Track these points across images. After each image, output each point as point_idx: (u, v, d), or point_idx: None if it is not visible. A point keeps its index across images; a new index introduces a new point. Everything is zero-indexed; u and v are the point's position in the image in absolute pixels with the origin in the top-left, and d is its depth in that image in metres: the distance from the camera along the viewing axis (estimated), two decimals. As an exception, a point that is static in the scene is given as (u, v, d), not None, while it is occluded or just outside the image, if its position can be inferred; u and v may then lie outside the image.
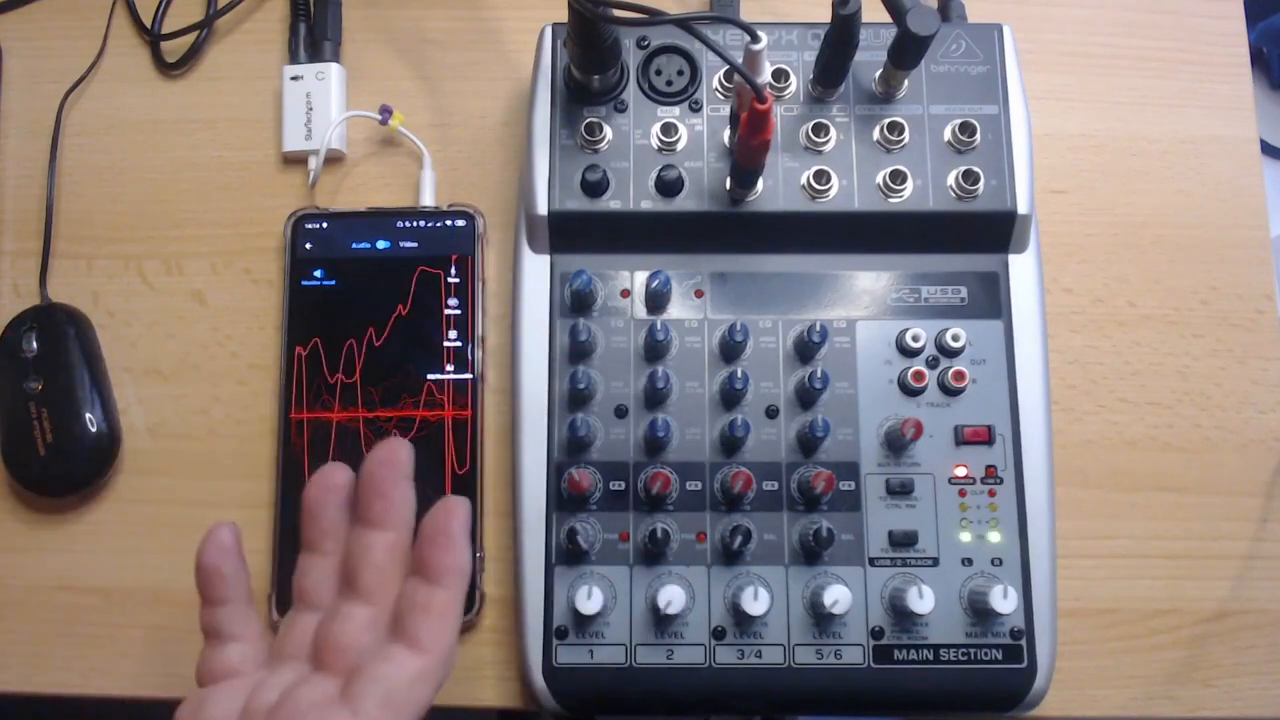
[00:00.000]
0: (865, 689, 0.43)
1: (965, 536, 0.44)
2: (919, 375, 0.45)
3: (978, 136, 0.45)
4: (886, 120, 0.45)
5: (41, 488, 0.47)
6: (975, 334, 0.46)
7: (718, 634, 0.43)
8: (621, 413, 0.45)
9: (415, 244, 0.49)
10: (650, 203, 0.45)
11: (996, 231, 0.46)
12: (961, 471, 0.45)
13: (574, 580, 0.44)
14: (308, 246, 0.49)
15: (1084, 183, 0.52)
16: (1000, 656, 0.43)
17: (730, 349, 0.45)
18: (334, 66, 0.52)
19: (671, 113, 0.46)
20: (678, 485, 0.44)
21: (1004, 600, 0.42)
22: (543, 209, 0.45)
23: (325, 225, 0.50)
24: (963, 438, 0.45)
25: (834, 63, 0.44)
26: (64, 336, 0.48)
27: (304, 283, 0.49)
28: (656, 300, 0.46)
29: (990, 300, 0.46)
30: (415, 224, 0.49)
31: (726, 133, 0.46)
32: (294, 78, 0.52)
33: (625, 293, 0.46)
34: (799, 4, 0.54)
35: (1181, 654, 0.47)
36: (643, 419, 0.45)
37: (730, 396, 0.45)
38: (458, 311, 0.48)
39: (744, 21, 0.39)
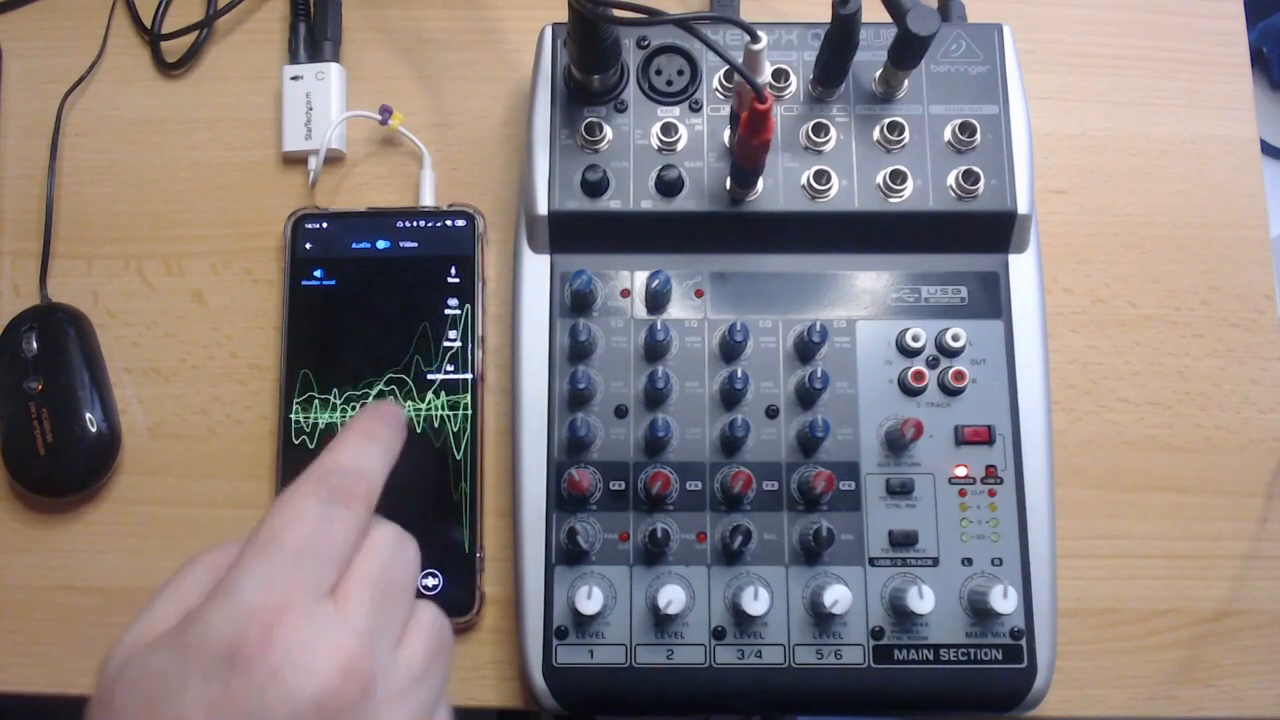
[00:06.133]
0: (865, 689, 0.43)
1: (965, 536, 0.44)
2: (919, 375, 0.45)
3: (978, 136, 0.45)
4: (886, 120, 0.45)
5: (41, 488, 0.47)
6: (975, 334, 0.46)
7: (718, 634, 0.43)
8: (621, 413, 0.45)
9: (415, 244, 0.49)
10: (650, 203, 0.45)
11: (996, 231, 0.46)
12: (961, 471, 0.45)
13: (574, 580, 0.44)
14: (308, 246, 0.49)
15: (1084, 183, 0.52)
16: (1000, 656, 0.43)
17: (730, 349, 0.45)
18: (334, 66, 0.52)
19: (671, 113, 0.46)
20: (678, 485, 0.44)
21: (1004, 600, 0.42)
22: (543, 209, 0.45)
23: (325, 225, 0.50)
24: (963, 438, 0.45)
25: (834, 63, 0.44)
26: (64, 336, 0.48)
27: (304, 283, 0.49)
28: (656, 300, 0.46)
29: (990, 300, 0.46)
30: (415, 224, 0.49)
31: (726, 133, 0.46)
32: (294, 78, 0.52)
33: (625, 293, 0.46)
34: (799, 4, 0.54)
35: (1181, 654, 0.47)
36: (643, 419, 0.45)
37: (730, 396, 0.45)
38: (458, 311, 0.48)
39: (744, 21, 0.39)
